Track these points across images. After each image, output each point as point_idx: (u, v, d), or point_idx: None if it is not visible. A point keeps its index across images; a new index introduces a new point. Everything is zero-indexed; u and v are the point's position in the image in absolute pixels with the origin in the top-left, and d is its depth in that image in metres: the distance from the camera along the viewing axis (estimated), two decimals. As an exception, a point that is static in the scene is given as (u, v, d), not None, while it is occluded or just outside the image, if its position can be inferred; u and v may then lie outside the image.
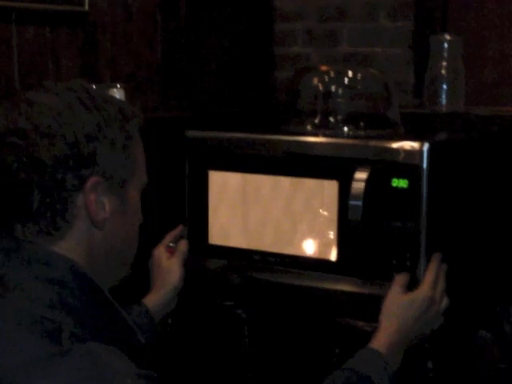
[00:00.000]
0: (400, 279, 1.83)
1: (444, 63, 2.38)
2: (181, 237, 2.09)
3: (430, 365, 1.95)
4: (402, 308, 1.79)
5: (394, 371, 1.72)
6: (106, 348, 1.24)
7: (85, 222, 1.36)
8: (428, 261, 1.86)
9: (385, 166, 1.88)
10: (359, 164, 1.90)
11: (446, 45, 2.39)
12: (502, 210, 2.16)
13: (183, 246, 2.05)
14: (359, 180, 1.88)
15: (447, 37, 2.41)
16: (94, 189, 1.35)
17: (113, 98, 1.44)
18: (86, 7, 2.48)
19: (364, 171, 1.88)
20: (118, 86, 2.51)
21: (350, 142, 1.99)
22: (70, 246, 1.35)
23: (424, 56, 2.59)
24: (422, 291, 1.81)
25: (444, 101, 2.37)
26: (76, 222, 1.35)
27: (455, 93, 2.38)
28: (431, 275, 1.83)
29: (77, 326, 1.26)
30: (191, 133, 2.18)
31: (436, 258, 1.86)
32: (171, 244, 2.06)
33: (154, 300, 1.95)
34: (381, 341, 1.74)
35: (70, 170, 1.32)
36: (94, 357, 1.22)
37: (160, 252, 2.03)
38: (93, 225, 1.37)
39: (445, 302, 1.85)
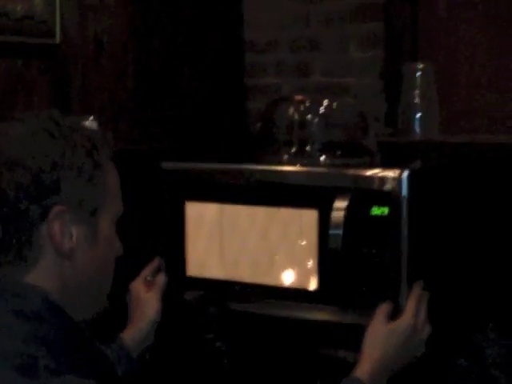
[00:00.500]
0: (383, 308, 1.82)
1: (417, 91, 2.40)
2: (159, 270, 2.07)
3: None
4: (384, 337, 1.78)
5: None
6: (82, 382, 1.22)
7: (52, 252, 1.33)
8: (409, 288, 1.86)
9: (364, 195, 1.88)
10: (338, 192, 1.90)
11: (418, 73, 2.41)
12: (479, 235, 2.16)
13: (161, 279, 2.02)
14: (339, 209, 1.88)
15: (420, 65, 2.43)
16: (59, 218, 1.32)
17: (83, 127, 1.42)
18: (58, 40, 2.46)
19: (343, 200, 1.88)
20: (91, 118, 2.49)
21: (329, 170, 1.99)
22: (41, 277, 1.33)
23: (395, 85, 2.60)
24: (405, 319, 1.81)
25: (418, 129, 2.38)
26: (43, 253, 1.33)
27: (429, 121, 2.39)
28: (413, 303, 1.83)
29: (52, 359, 1.24)
30: (167, 164, 2.16)
31: (418, 286, 1.85)
32: (149, 277, 2.03)
33: (131, 334, 1.92)
34: (363, 370, 1.73)
35: (33, 200, 1.30)
36: None
37: (137, 285, 2.01)
38: (60, 255, 1.34)
39: (427, 329, 1.85)
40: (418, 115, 2.39)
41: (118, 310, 1.98)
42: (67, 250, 1.34)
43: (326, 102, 2.14)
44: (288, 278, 2.03)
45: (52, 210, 1.31)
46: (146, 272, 2.04)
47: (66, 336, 1.30)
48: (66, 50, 2.51)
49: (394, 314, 1.83)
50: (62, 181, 1.32)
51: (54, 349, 1.26)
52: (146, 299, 1.97)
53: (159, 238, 2.15)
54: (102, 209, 1.39)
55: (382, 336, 1.78)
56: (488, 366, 2.33)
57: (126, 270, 2.24)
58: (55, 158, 1.31)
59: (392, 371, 1.78)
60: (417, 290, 1.85)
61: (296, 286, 2.01)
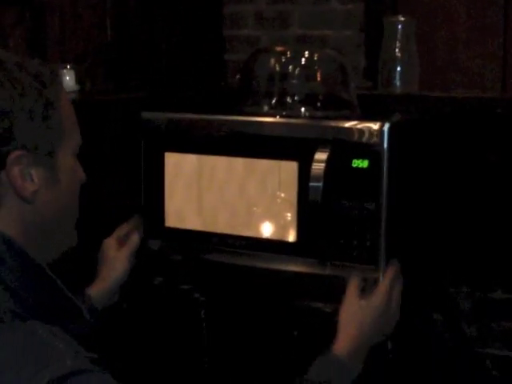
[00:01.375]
0: (354, 281, 1.82)
1: (398, 45, 2.39)
2: (136, 228, 2.05)
3: (389, 345, 1.95)
4: (359, 312, 1.77)
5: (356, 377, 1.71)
6: (46, 327, 1.22)
7: (14, 198, 1.32)
8: (388, 241, 1.87)
9: (345, 147, 1.87)
10: (319, 144, 1.89)
11: (399, 26, 2.39)
12: (458, 189, 2.17)
13: (134, 238, 2.01)
14: (319, 161, 1.87)
15: (401, 18, 2.41)
16: (18, 163, 1.30)
17: (29, 63, 1.35)
18: (34, -14, 2.42)
19: (324, 152, 1.88)
20: (68, 66, 2.47)
21: (310, 122, 1.98)
22: (4, 223, 1.32)
23: (374, 38, 2.59)
24: (378, 294, 1.80)
25: (398, 82, 2.38)
26: (5, 200, 1.32)
27: (409, 74, 2.39)
28: (387, 279, 1.82)
29: (17, 303, 1.24)
30: (146, 114, 2.14)
31: (394, 264, 1.85)
32: (122, 236, 2.02)
33: (96, 290, 1.92)
34: (340, 347, 1.72)
35: None
36: (34, 335, 1.19)
37: (109, 243, 2.00)
38: (22, 200, 1.32)
39: (397, 312, 1.85)
40: (398, 69, 2.38)
41: (89, 264, 1.98)
42: (29, 194, 1.32)
43: (307, 54, 2.13)
44: (267, 229, 2.03)
45: (9, 156, 1.29)
46: (122, 230, 2.03)
47: (31, 280, 1.29)
48: (43, -3, 2.48)
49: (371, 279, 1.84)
50: (15, 127, 1.29)
51: (18, 293, 1.25)
52: (116, 257, 1.96)
53: (138, 189, 2.14)
54: (60, 147, 1.36)
55: (357, 312, 1.77)
56: (461, 320, 2.36)
57: (104, 222, 2.24)
58: (3, 106, 1.28)
59: (369, 346, 1.77)
60: (393, 267, 1.84)
61: (275, 237, 2.01)
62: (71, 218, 1.44)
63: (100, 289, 1.93)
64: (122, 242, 2.00)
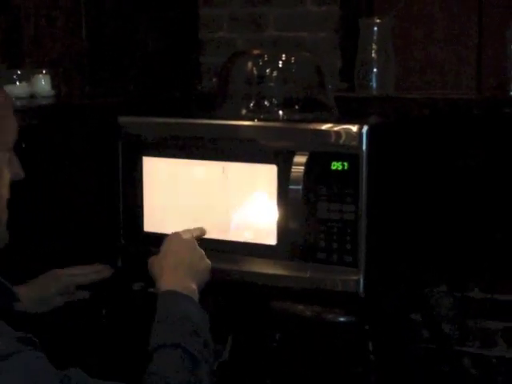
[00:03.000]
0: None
1: (374, 46, 2.39)
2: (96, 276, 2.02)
3: (370, 346, 1.96)
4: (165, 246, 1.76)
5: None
6: None
7: None
8: (368, 242, 1.87)
9: (324, 150, 1.88)
10: (298, 148, 1.89)
11: (375, 28, 2.40)
12: (437, 191, 2.18)
13: (81, 294, 2.00)
14: (298, 164, 1.88)
15: (376, 20, 2.42)
16: None
17: None
18: (9, -9, 2.40)
19: (303, 155, 1.88)
20: (44, 71, 2.45)
21: (288, 125, 1.98)
22: None
23: (350, 40, 2.59)
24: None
25: (374, 84, 2.38)
26: None
27: (385, 76, 2.39)
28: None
29: None
30: (123, 119, 2.14)
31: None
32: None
33: (28, 292, 1.89)
34: (170, 284, 1.64)
35: None
36: None
37: (70, 271, 1.97)
38: None
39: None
40: (375, 70, 2.39)
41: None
42: None
43: (283, 57, 2.13)
44: (246, 233, 2.03)
45: None
46: (85, 270, 1.99)
47: None
48: (18, 1, 2.46)
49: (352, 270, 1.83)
50: None
51: None
52: (52, 287, 1.94)
53: (116, 195, 2.13)
54: None
55: (165, 253, 1.74)
56: (440, 320, 2.37)
57: (82, 228, 2.23)
58: None
59: (194, 278, 1.69)
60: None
61: (255, 240, 2.01)
62: None
63: (32, 293, 1.90)
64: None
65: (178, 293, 1.60)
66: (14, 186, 2.02)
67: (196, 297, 1.64)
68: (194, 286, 1.65)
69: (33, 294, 1.91)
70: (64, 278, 1.97)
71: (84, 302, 2.01)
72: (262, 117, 2.04)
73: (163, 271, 1.67)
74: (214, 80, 2.29)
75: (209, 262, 1.76)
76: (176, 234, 1.78)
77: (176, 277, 1.65)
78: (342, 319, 1.92)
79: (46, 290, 1.94)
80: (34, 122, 2.13)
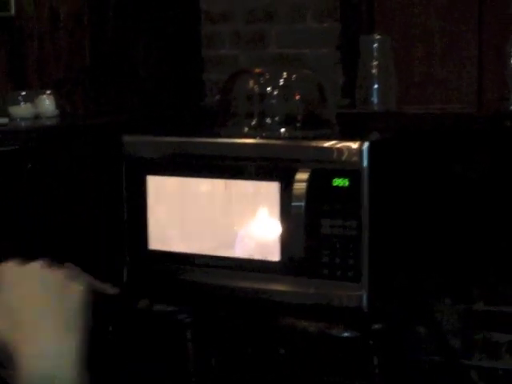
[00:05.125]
0: None
1: (374, 63, 2.41)
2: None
3: (375, 361, 1.96)
4: None
5: None
6: None
7: None
8: (370, 259, 1.88)
9: (325, 166, 1.89)
10: (300, 165, 1.91)
11: (375, 44, 2.42)
12: (439, 205, 2.19)
13: None
14: (300, 181, 1.89)
15: (376, 36, 2.44)
16: None
17: None
18: (13, 12, 2.43)
19: (305, 172, 1.90)
20: (48, 92, 2.47)
21: (290, 143, 2.00)
22: None
23: (352, 56, 2.61)
24: None
25: (376, 100, 2.40)
26: None
27: (387, 92, 2.41)
28: None
29: None
30: (127, 138, 2.15)
31: None
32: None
33: None
34: None
35: None
36: None
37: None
38: None
39: None
40: (376, 86, 2.40)
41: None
42: None
43: (285, 75, 2.15)
44: (250, 249, 2.05)
45: None
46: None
47: None
48: (22, 22, 2.48)
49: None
50: None
51: None
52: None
53: (120, 213, 2.15)
54: None
55: None
56: (445, 333, 2.38)
57: (86, 244, 2.24)
58: None
59: None
60: None
61: (258, 257, 2.03)
62: None
63: None
64: None
65: None
66: (20, 204, 2.04)
67: None
68: None
69: None
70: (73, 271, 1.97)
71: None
72: (264, 134, 2.05)
73: None
74: (217, 97, 2.30)
75: None
76: None
77: None
78: (345, 334, 1.93)
79: None
80: (38, 143, 2.15)
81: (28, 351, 0.98)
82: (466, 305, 2.40)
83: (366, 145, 1.86)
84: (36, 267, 1.03)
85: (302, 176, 1.89)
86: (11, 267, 1.03)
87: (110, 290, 1.90)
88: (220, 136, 2.09)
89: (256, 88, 2.13)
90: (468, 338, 2.42)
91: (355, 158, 1.87)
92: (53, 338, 0.99)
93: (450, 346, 2.40)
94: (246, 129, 2.09)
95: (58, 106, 2.49)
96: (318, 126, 2.12)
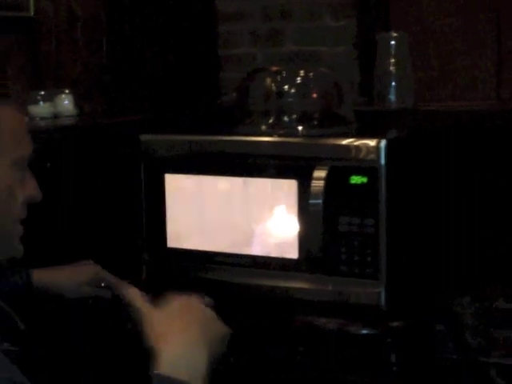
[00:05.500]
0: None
1: (391, 60, 2.41)
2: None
3: (393, 358, 1.96)
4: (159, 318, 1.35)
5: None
6: None
7: None
8: (388, 256, 1.88)
9: (343, 164, 1.89)
10: (317, 163, 1.91)
11: (392, 42, 2.42)
12: (457, 203, 2.19)
13: (105, 292, 1.99)
14: (318, 178, 1.89)
15: (393, 33, 2.43)
16: None
17: None
18: (31, 13, 2.44)
19: (322, 170, 1.90)
20: (66, 91, 2.49)
21: (308, 141, 2.00)
22: None
23: (368, 54, 2.61)
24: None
25: (393, 98, 2.40)
26: None
27: (404, 89, 2.41)
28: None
29: None
30: (145, 136, 2.16)
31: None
32: (103, 284, 2.00)
33: (48, 273, 1.91)
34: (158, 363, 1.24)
35: None
36: None
37: (97, 269, 1.98)
38: None
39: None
40: (393, 84, 2.40)
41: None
42: None
43: (302, 73, 2.15)
44: (268, 247, 2.05)
45: None
46: (111, 280, 1.98)
47: None
48: (40, 22, 2.50)
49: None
50: None
51: None
52: (83, 280, 1.95)
53: (139, 211, 2.16)
54: None
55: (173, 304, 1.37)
56: (464, 330, 2.37)
57: (105, 243, 2.25)
58: None
59: (208, 346, 1.30)
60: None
61: (276, 255, 2.03)
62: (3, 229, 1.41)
63: (52, 275, 1.92)
64: (98, 284, 1.98)
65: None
66: (39, 203, 2.05)
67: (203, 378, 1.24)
68: (204, 358, 1.26)
69: (70, 277, 1.93)
70: (95, 267, 2.00)
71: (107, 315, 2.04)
72: (281, 132, 2.05)
73: (168, 333, 1.28)
74: (234, 96, 2.31)
75: (227, 328, 1.40)
76: (185, 296, 1.38)
77: (184, 345, 1.27)
78: (364, 332, 1.93)
79: (80, 274, 1.96)
80: (57, 142, 2.16)
81: (167, 357, 1.20)
82: (486, 302, 2.39)
83: (383, 142, 1.86)
84: (191, 301, 1.36)
85: (320, 174, 1.89)
86: (174, 297, 1.34)
87: (125, 290, 1.87)
88: (237, 134, 2.09)
89: (273, 86, 2.13)
90: (487, 335, 2.41)
91: (373, 156, 1.87)
92: (189, 351, 1.24)
93: (469, 343, 2.40)
94: (264, 127, 2.09)
95: (77, 105, 2.50)
96: (335, 123, 2.12)
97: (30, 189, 1.47)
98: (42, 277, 1.92)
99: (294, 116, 2.09)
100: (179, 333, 1.30)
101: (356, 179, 1.88)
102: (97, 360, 2.03)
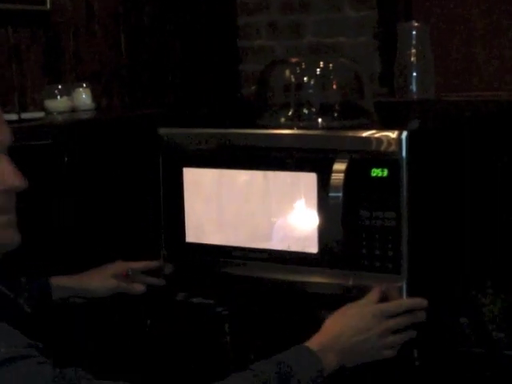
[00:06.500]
0: (373, 294, 1.79)
1: (413, 51, 2.38)
2: (155, 271, 2.07)
3: (415, 353, 1.94)
4: (349, 316, 1.74)
5: (321, 370, 1.64)
6: None
7: None
8: (410, 250, 1.85)
9: (363, 156, 1.86)
10: (337, 155, 1.88)
11: (413, 32, 2.39)
12: (480, 195, 2.16)
13: (138, 288, 2.02)
14: (338, 171, 1.87)
15: (415, 24, 2.40)
16: None
17: None
18: (48, 6, 2.43)
19: (343, 162, 1.87)
20: (84, 85, 2.48)
21: (327, 133, 1.97)
22: None
23: (389, 45, 2.59)
24: (376, 307, 1.76)
25: (415, 88, 2.37)
26: None
27: (425, 80, 2.38)
28: (396, 302, 1.80)
29: None
30: (163, 130, 2.14)
31: (420, 301, 1.82)
32: (130, 272, 2.03)
33: (61, 280, 1.93)
34: (315, 340, 1.70)
35: None
36: None
37: (122, 265, 2.01)
38: None
39: (392, 338, 1.76)
40: (414, 74, 2.37)
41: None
42: None
43: (322, 64, 2.12)
44: (288, 241, 2.03)
45: None
46: (140, 266, 2.04)
47: None
48: (57, 16, 2.48)
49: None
50: None
51: None
52: (107, 277, 1.99)
53: (158, 206, 2.14)
54: None
55: (348, 315, 1.74)
56: (487, 323, 2.34)
57: (124, 237, 2.25)
58: None
59: (348, 355, 1.71)
60: (416, 300, 1.82)
61: (296, 249, 2.00)
62: None
63: (65, 282, 1.94)
64: (125, 274, 2.01)
65: (310, 355, 1.64)
66: (57, 198, 2.05)
67: (325, 370, 1.63)
68: (333, 363, 1.66)
69: (69, 285, 1.95)
70: (118, 262, 2.02)
71: (130, 312, 2.03)
72: (301, 125, 2.03)
73: (327, 328, 1.71)
74: (253, 88, 2.29)
75: (389, 352, 1.75)
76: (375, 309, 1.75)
77: (331, 344, 1.68)
78: (385, 326, 1.90)
79: (104, 271, 1.99)
80: (75, 136, 2.15)
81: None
82: (509, 295, 2.36)
83: (404, 134, 1.83)
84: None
85: (340, 166, 1.87)
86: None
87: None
88: (257, 127, 2.07)
89: (292, 78, 2.11)
90: (511, 328, 2.38)
91: (394, 148, 1.83)
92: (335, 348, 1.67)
93: (493, 336, 2.37)
94: (283, 119, 2.07)
95: (95, 99, 2.49)
96: (355, 115, 2.09)
97: (10, 177, 1.43)
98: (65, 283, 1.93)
99: (314, 108, 2.06)
100: (344, 337, 1.68)
101: (377, 172, 1.85)
102: (100, 355, 2.02)
